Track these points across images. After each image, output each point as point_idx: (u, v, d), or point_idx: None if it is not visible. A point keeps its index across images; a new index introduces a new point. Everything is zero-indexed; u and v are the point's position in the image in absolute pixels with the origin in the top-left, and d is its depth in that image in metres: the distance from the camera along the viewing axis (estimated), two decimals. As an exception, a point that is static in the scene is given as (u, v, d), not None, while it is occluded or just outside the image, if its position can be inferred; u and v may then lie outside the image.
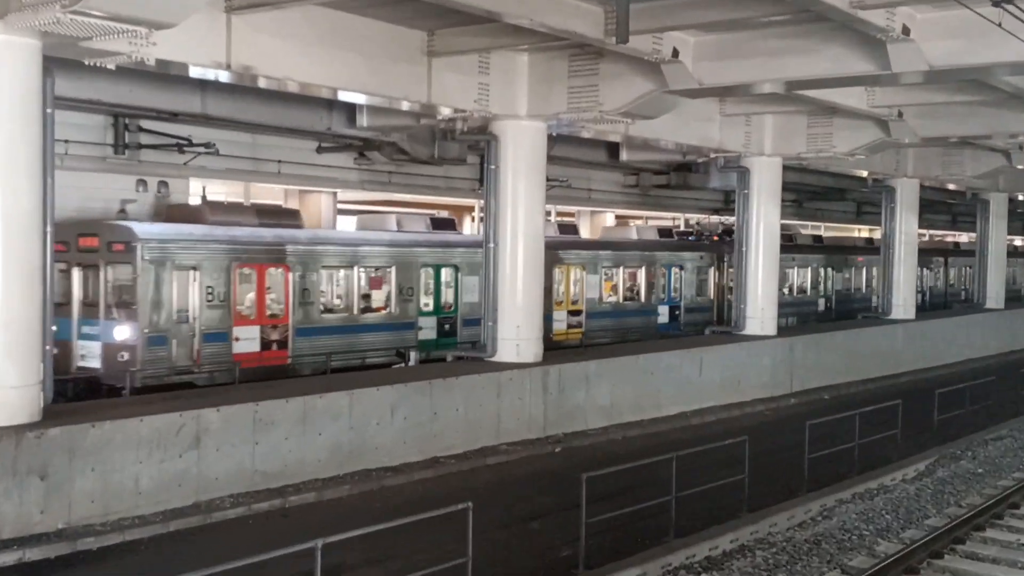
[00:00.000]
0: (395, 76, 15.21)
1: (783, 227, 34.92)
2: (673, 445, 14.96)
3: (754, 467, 13.50)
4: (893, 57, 14.13)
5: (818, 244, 36.00)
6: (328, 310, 19.92)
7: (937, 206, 41.42)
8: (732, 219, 33.41)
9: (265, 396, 13.48)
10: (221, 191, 27.05)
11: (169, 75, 16.17)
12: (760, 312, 23.51)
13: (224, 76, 13.68)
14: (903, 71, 14.46)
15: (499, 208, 17.46)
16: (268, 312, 18.67)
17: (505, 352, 17.52)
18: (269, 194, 26.87)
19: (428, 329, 21.59)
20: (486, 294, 17.74)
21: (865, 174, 28.97)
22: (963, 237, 52.99)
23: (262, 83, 14.27)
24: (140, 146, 19.68)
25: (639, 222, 42.11)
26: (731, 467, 13.55)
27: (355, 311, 20.23)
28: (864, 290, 36.19)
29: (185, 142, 19.90)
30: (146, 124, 19.60)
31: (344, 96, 15.73)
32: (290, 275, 18.96)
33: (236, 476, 12.75)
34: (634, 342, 24.58)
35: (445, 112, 16.49)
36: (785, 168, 24.02)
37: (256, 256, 18.52)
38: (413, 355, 19.56)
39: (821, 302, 33.66)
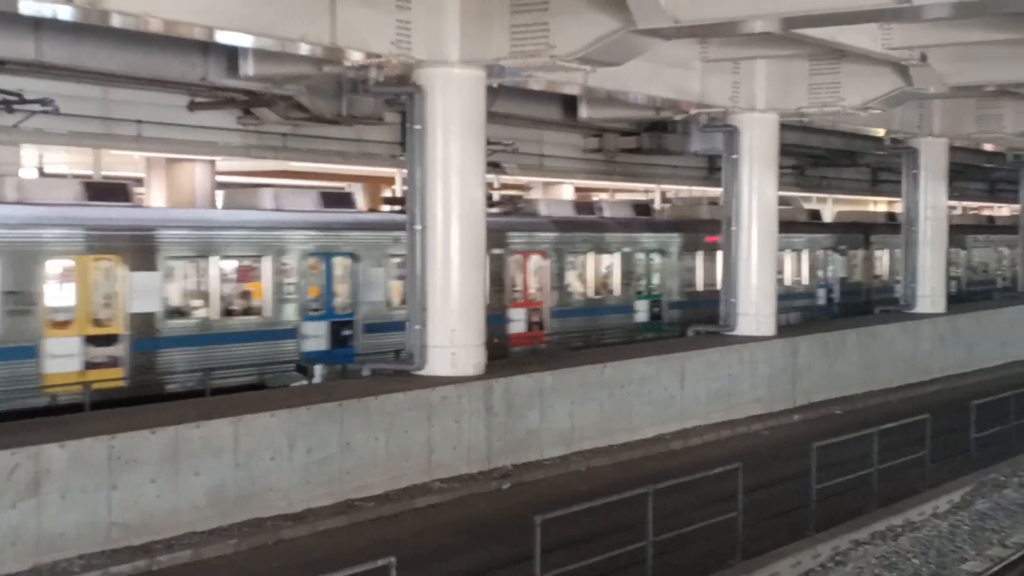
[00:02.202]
0: (288, 11, 15.01)
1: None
2: (649, 477, 14.96)
3: (750, 502, 13.57)
4: (916, -15, 14.24)
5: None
6: None
7: (971, 171, 42.16)
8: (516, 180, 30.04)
9: (124, 427, 13.23)
10: (63, 160, 26.61)
11: (-8, 12, 15.73)
12: (755, 308, 23.73)
13: (65, 12, 13.43)
14: (927, 2, 14.56)
15: (427, 179, 17.35)
16: None
17: (437, 364, 17.44)
18: (127, 163, 26.46)
19: None
20: (412, 290, 17.66)
21: (882, 133, 29.35)
22: (1004, 210, 54.11)
23: (115, 21, 13.97)
24: (-46, 104, 19.23)
25: (604, 195, 42.38)
26: (722, 502, 13.61)
27: None
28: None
29: (15, 98, 19.47)
30: (-37, 76, 19.14)
31: (223, 37, 15.47)
32: None
33: (88, 531, 12.47)
34: (600, 347, 24.60)
35: (354, 57, 16.31)
36: (783, 127, 24.25)
37: None
38: (318, 370, 19.33)
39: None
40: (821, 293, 35.97)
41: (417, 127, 17.27)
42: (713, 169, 33.66)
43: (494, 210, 26.41)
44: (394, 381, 17.03)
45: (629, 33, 15.97)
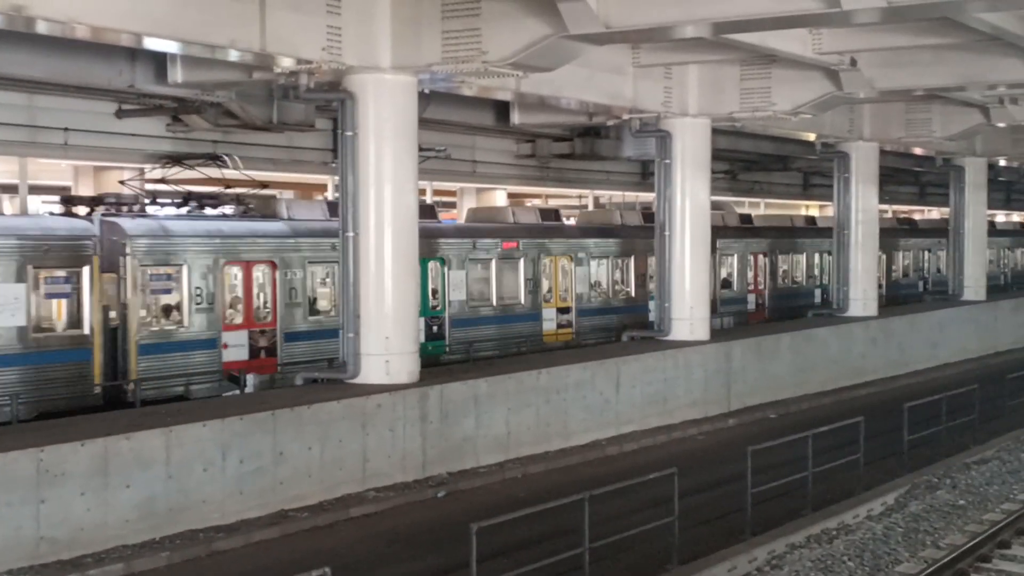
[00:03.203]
0: (217, 16, 14.91)
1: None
2: (586, 482, 15.05)
3: (686, 506, 13.71)
4: (844, -10, 14.46)
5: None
6: None
7: (901, 175, 42.80)
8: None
9: (52, 439, 13.10)
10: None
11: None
12: (689, 312, 23.92)
13: (-13, 19, 13.18)
14: (856, 7, 14.77)
15: (359, 186, 17.33)
16: None
17: (371, 372, 17.41)
18: (55, 172, 26.10)
19: None
20: (344, 298, 17.60)
21: (812, 138, 29.71)
22: (934, 213, 54.96)
23: (41, 28, 13.78)
24: None
25: (537, 201, 42.53)
26: (658, 507, 13.74)
27: None
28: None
29: (-64, 106, 19.21)
30: None
31: (150, 44, 15.33)
32: None
33: (15, 545, 12.35)
34: (535, 353, 24.63)
35: (285, 63, 16.23)
36: (715, 132, 24.45)
37: None
38: (250, 379, 19.19)
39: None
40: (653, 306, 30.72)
41: (349, 133, 17.24)
42: (646, 174, 33.83)
43: (213, 211, 22.28)
44: (327, 390, 16.99)
45: (561, 38, 16.04)
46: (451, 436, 17.69)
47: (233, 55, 15.68)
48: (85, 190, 24.79)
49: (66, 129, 21.55)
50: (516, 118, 25.14)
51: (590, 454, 19.63)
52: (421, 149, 18.70)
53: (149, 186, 22.76)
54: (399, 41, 16.85)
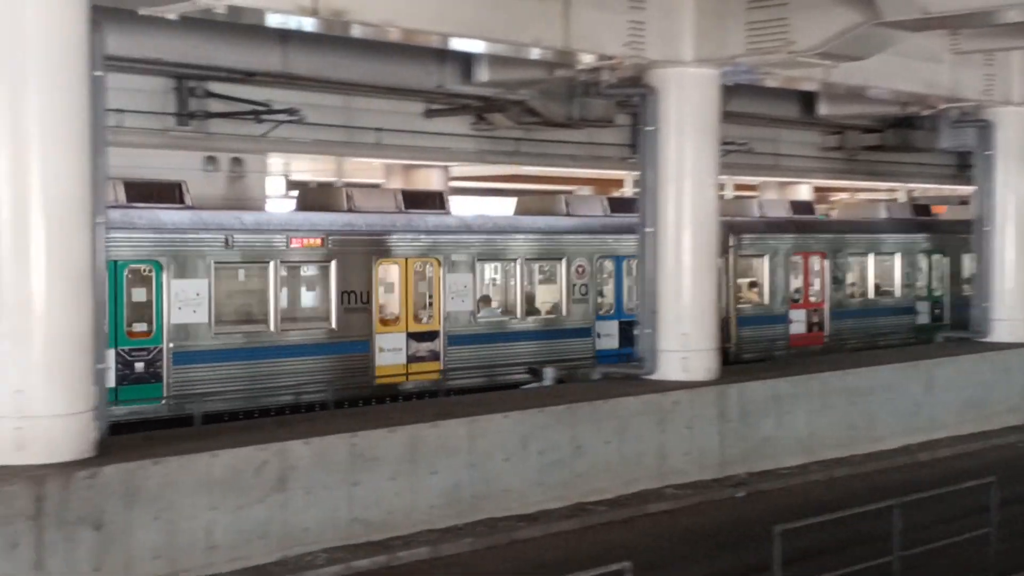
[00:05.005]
0: (521, 15, 15.28)
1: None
2: (895, 489, 14.53)
3: (1005, 517, 13.02)
4: None
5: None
6: None
7: None
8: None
9: (364, 425, 13.73)
10: (307, 168, 27.83)
11: (242, 25, 16.60)
12: (1009, 313, 22.82)
13: (310, 24, 13.97)
14: None
15: (659, 181, 17.36)
16: None
17: (669, 368, 17.42)
18: (366, 170, 27.46)
19: None
20: (643, 294, 17.71)
21: None
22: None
23: (356, 31, 14.54)
24: (208, 115, 20.25)
25: (842, 195, 41.38)
26: (974, 517, 13.13)
27: None
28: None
29: (263, 108, 20.42)
30: (215, 88, 20.20)
31: (458, 44, 15.90)
32: None
33: (330, 526, 12.96)
34: (838, 354, 24.03)
35: (587, 60, 16.49)
36: (1042, 121, 23.18)
37: None
38: (549, 373, 19.58)
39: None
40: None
41: (649, 128, 17.30)
42: (963, 166, 32.42)
43: None
44: (625, 385, 17.12)
45: (874, 26, 15.64)
46: (750, 436, 17.47)
47: (536, 53, 16.06)
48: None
49: (379, 129, 22.58)
50: (822, 109, 24.69)
51: (899, 459, 18.96)
52: (722, 143, 18.59)
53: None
54: (702, 34, 16.81)
